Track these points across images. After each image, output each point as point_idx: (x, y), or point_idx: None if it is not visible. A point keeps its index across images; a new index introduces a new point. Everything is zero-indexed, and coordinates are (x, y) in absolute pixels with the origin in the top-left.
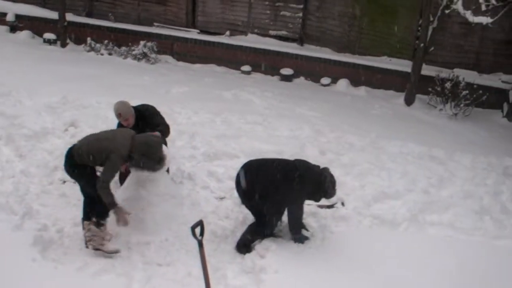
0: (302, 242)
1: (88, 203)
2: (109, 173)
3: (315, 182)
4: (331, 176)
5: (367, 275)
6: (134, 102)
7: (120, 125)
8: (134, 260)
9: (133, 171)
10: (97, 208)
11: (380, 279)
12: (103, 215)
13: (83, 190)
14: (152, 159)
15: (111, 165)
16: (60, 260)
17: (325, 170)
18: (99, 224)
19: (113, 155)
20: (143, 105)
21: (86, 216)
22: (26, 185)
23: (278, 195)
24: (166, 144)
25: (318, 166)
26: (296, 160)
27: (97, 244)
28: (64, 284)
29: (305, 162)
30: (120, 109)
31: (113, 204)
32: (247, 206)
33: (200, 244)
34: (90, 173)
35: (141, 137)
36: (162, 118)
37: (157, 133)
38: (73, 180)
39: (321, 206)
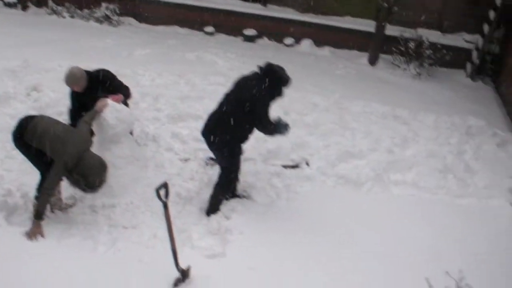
0: (282, 132)
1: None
2: (54, 178)
3: (269, 76)
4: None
5: (331, 235)
6: (98, 65)
7: (72, 91)
8: (99, 223)
9: (97, 134)
10: (41, 183)
11: (344, 238)
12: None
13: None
14: (89, 183)
15: (57, 169)
16: (25, 225)
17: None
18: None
19: (59, 161)
20: (98, 70)
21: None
22: None
23: (247, 110)
24: (127, 105)
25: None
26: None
27: (59, 208)
28: (29, 249)
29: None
30: (65, 78)
31: (40, 215)
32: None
33: (165, 206)
34: (40, 155)
35: (89, 158)
36: (119, 81)
37: (121, 96)
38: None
39: (285, 166)
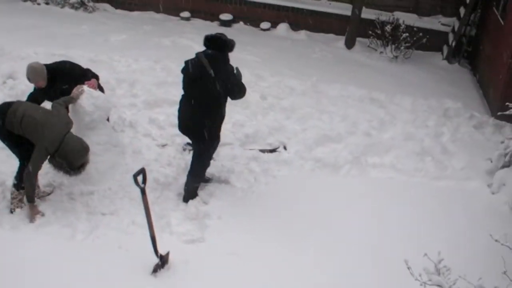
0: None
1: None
2: (36, 163)
3: (220, 50)
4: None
5: (309, 218)
6: (73, 52)
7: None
8: (77, 210)
9: (74, 121)
10: (20, 169)
11: (322, 222)
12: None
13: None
14: (72, 165)
15: (39, 155)
16: (2, 214)
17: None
18: (19, 187)
19: (42, 145)
20: (59, 62)
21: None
22: None
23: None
24: (103, 91)
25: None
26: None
27: (13, 207)
28: (7, 237)
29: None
30: (29, 74)
31: (31, 199)
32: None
33: (143, 192)
34: (20, 142)
35: (71, 141)
36: (81, 69)
37: (95, 81)
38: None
39: (263, 151)
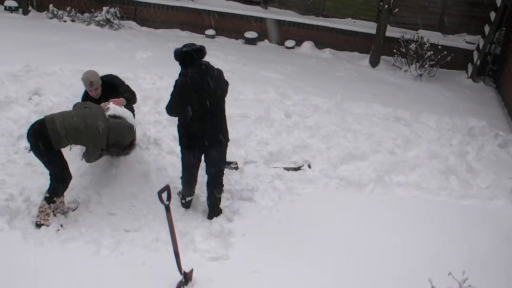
0: None
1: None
2: (90, 159)
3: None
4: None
5: (334, 237)
6: (98, 68)
7: (85, 94)
8: (102, 226)
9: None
10: (52, 183)
11: (347, 240)
12: (56, 192)
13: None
14: (125, 148)
15: (91, 155)
16: (27, 230)
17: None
18: (50, 201)
19: (92, 148)
20: (108, 75)
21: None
22: None
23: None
24: (133, 112)
25: None
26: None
27: (40, 220)
28: (32, 253)
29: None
30: (92, 78)
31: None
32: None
33: (167, 209)
34: (56, 153)
35: (114, 127)
36: (127, 86)
37: (122, 100)
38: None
39: (287, 169)
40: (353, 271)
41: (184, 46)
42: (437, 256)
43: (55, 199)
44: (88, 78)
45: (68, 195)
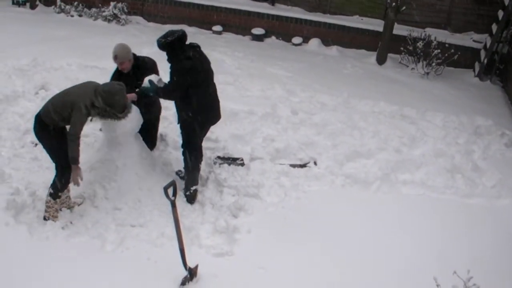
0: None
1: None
2: (77, 125)
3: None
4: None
5: (338, 234)
6: (105, 63)
7: (116, 69)
8: (107, 221)
9: (105, 134)
10: (56, 179)
11: (352, 238)
12: (61, 187)
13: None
14: (115, 107)
15: (77, 116)
16: (33, 224)
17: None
18: (55, 196)
19: (76, 106)
20: (145, 57)
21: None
22: None
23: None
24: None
25: None
26: None
27: (48, 215)
28: (38, 247)
29: None
30: (118, 51)
31: (75, 160)
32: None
33: (173, 205)
34: (57, 136)
35: (104, 85)
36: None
37: (133, 95)
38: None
39: (293, 166)
40: (359, 268)
41: (167, 35)
42: (442, 255)
43: (59, 193)
44: (114, 51)
45: (74, 190)
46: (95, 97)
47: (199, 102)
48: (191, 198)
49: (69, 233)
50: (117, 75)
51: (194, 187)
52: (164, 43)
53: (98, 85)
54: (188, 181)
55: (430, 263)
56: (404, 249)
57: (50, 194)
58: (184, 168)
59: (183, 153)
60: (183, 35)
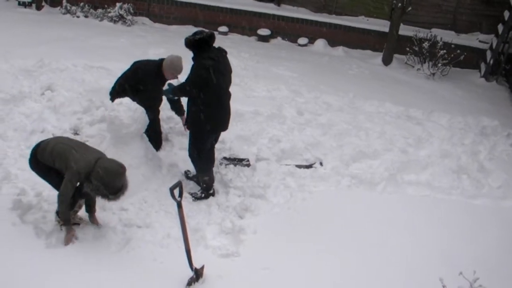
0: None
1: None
2: (67, 185)
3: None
4: None
5: (345, 235)
6: (111, 64)
7: (160, 77)
8: (113, 222)
9: (110, 134)
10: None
11: (358, 239)
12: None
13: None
14: (109, 188)
15: (68, 177)
16: (39, 224)
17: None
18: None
19: (70, 169)
20: None
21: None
22: (4, 149)
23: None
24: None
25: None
26: None
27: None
28: (44, 247)
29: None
30: (180, 67)
31: (67, 222)
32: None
33: (179, 206)
34: (52, 173)
35: (106, 162)
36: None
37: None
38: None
39: (299, 166)
40: (364, 269)
41: (196, 34)
42: (448, 255)
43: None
44: (178, 66)
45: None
46: (93, 169)
47: (210, 105)
48: (200, 198)
49: (75, 233)
50: (158, 79)
51: (205, 193)
52: (192, 41)
53: (102, 156)
54: (202, 185)
55: (435, 264)
56: (409, 249)
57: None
58: (196, 172)
59: (189, 155)
60: (211, 36)
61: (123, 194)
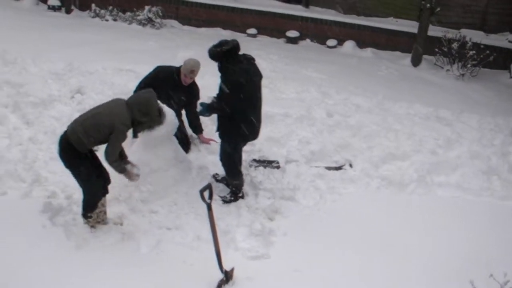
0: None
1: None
2: (116, 146)
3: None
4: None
5: (374, 237)
6: (140, 67)
7: (178, 82)
8: (142, 224)
9: (140, 136)
10: (84, 200)
11: (388, 240)
12: (90, 208)
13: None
14: (151, 114)
15: (117, 138)
16: (69, 226)
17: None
18: (86, 216)
19: (116, 127)
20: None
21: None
22: (34, 152)
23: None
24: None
25: None
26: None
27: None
28: (74, 249)
29: None
30: (196, 67)
31: (124, 169)
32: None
33: (209, 208)
34: (85, 162)
35: (134, 98)
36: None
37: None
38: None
39: (329, 168)
40: (395, 271)
41: (221, 44)
42: (478, 257)
43: (89, 214)
44: (192, 66)
45: (110, 194)
46: (130, 112)
47: (245, 115)
48: (229, 201)
49: (104, 235)
50: (174, 84)
51: (235, 196)
52: (219, 53)
53: (125, 100)
54: (231, 189)
55: (466, 266)
56: (439, 251)
57: (83, 215)
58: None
59: (220, 160)
60: (238, 45)
61: (164, 115)
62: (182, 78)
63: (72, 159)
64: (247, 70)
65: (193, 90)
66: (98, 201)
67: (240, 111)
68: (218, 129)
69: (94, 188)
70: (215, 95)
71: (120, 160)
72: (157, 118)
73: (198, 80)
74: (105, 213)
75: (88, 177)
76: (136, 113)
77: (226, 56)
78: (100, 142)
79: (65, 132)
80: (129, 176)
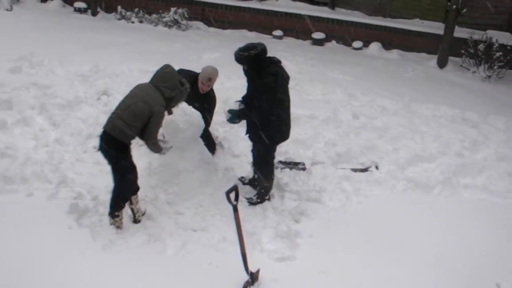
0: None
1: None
2: (154, 130)
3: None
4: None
5: (401, 239)
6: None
7: (194, 89)
8: (168, 225)
9: (167, 137)
10: (114, 197)
11: (414, 242)
12: (118, 206)
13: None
14: (177, 86)
15: (156, 120)
16: (95, 227)
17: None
18: (113, 216)
19: (155, 110)
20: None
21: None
22: (61, 153)
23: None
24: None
25: None
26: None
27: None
28: (100, 250)
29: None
30: (214, 75)
31: (160, 150)
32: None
33: (235, 209)
34: (128, 156)
35: (156, 78)
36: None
37: None
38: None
39: (355, 170)
40: (422, 274)
41: (248, 48)
42: (504, 260)
43: (116, 213)
44: (209, 74)
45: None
46: (160, 92)
47: (279, 119)
48: (256, 203)
49: (130, 236)
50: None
51: (261, 198)
52: (247, 57)
53: (150, 83)
54: (260, 191)
55: (492, 269)
56: (466, 254)
57: (109, 214)
58: (258, 180)
59: (255, 164)
60: (265, 49)
61: (187, 83)
62: (199, 85)
63: (116, 152)
64: (276, 73)
65: (207, 100)
66: (129, 197)
67: (272, 113)
68: (248, 132)
69: (129, 182)
70: (240, 100)
71: (159, 145)
72: (183, 89)
73: (225, 81)
74: (137, 202)
75: (127, 171)
76: (166, 91)
77: (255, 60)
78: (141, 129)
79: (104, 132)
80: (164, 151)
